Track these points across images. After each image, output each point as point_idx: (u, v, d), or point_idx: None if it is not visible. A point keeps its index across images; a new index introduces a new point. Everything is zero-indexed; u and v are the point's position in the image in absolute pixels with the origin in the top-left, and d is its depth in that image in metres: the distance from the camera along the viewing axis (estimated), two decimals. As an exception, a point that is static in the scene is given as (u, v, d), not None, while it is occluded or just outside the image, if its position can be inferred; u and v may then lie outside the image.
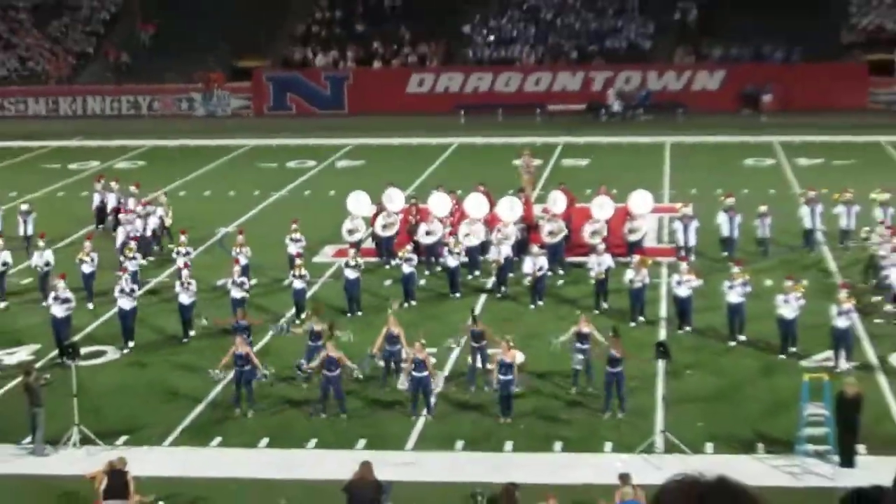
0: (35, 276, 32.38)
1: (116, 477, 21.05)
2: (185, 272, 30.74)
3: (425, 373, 24.94)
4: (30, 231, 37.16)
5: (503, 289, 32.67)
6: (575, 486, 21.25)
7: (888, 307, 28.80)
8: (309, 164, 51.65)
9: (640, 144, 54.41)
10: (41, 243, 32.09)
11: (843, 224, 35.95)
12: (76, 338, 27.73)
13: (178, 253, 32.62)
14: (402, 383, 25.88)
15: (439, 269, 33.57)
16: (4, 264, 31.51)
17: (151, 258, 34.61)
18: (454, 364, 27.33)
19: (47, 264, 30.93)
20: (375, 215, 35.70)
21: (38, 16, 78.42)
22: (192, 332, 29.62)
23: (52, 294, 28.64)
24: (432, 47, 71.80)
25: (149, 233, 35.17)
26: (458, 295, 32.33)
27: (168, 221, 36.36)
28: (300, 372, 25.97)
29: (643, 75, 68.04)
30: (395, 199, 36.52)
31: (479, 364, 26.35)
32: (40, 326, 29.56)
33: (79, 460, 22.67)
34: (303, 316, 30.05)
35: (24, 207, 38.45)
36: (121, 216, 36.00)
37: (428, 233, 34.20)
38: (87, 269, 29.30)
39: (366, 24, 74.38)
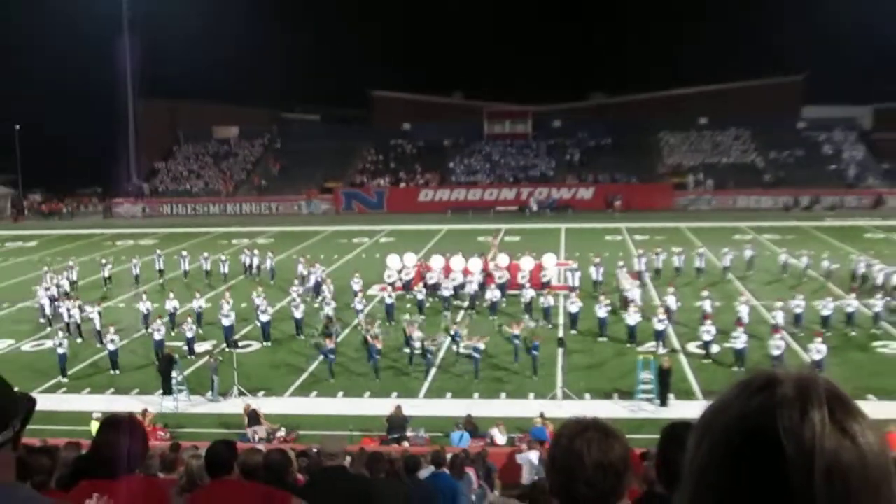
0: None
1: (253, 413, 21.09)
2: (298, 299, 30.73)
3: (431, 350, 25.21)
4: (226, 271, 39.68)
5: (473, 309, 32.57)
6: (512, 417, 21.18)
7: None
8: (364, 240, 51.55)
9: (548, 228, 54.39)
10: (198, 294, 31.42)
11: (656, 265, 36.42)
12: (236, 337, 27.60)
13: (296, 291, 32.40)
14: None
15: (437, 297, 33.31)
16: (174, 308, 30.40)
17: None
18: (444, 352, 27.19)
19: (200, 307, 30.27)
20: (402, 268, 35.66)
21: (216, 159, 78.77)
22: (302, 336, 29.47)
23: (221, 312, 28.58)
24: (432, 175, 71.95)
25: (320, 279, 34.98)
26: (447, 313, 32.15)
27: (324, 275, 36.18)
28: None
29: (549, 190, 68.26)
30: (412, 258, 36.46)
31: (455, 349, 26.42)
32: (210, 333, 29.53)
33: (237, 405, 22.56)
34: (360, 325, 30.00)
35: (223, 258, 40.04)
36: (311, 269, 36.45)
37: (430, 277, 34.11)
38: (225, 310, 28.55)
39: (396, 163, 74.74)
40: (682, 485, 1.16)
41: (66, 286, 35.45)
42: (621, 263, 36.86)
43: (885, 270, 33.59)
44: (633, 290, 31.24)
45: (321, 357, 25.84)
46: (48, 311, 32.08)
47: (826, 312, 27.86)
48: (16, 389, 2.67)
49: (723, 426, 1.13)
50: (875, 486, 1.08)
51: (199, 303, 30.61)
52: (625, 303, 30.39)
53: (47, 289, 33.18)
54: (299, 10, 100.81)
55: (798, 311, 27.94)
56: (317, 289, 34.60)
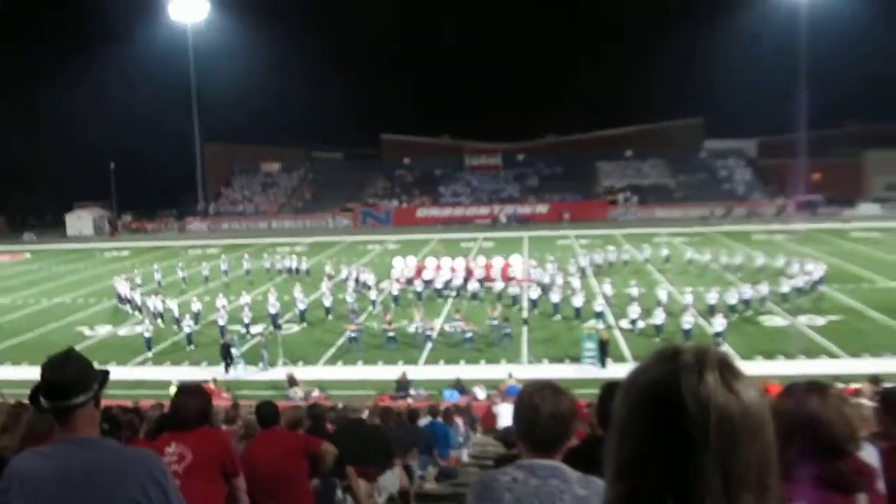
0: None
1: (292, 378, 21.04)
2: (327, 291, 30.63)
3: (431, 332, 25.01)
4: (280, 267, 40.12)
5: (458, 297, 32.34)
6: (490, 379, 21.11)
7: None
8: (376, 248, 51.35)
9: (513, 237, 54.16)
10: (244, 293, 30.76)
11: (597, 262, 36.13)
12: (281, 321, 27.53)
13: (326, 286, 32.30)
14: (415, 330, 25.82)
15: (431, 289, 33.13)
16: (224, 306, 28.25)
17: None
18: (439, 329, 27.11)
19: (246, 304, 28.82)
20: (404, 268, 35.49)
21: (263, 187, 78.42)
22: (330, 317, 29.35)
23: (268, 302, 28.40)
24: (427, 198, 71.90)
25: (364, 278, 34.00)
26: (440, 300, 32.12)
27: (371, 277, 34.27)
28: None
29: (515, 207, 68.16)
30: (412, 260, 36.39)
31: (450, 329, 26.23)
32: (261, 318, 29.26)
33: (282, 372, 22.45)
34: (375, 312, 29.85)
35: (278, 257, 39.55)
36: (356, 268, 35.60)
37: (426, 274, 33.92)
38: (272, 301, 28.18)
39: (399, 189, 74.63)
40: (610, 430, 1.16)
41: (129, 286, 34.04)
42: (572, 261, 37.09)
43: (800, 264, 33.00)
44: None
45: (346, 337, 25.62)
46: (137, 301, 31.96)
47: (732, 301, 27.45)
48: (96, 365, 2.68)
49: (640, 386, 1.14)
50: (755, 430, 1.10)
51: (247, 298, 30.24)
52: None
53: (133, 288, 33.20)
54: (326, 76, 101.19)
55: (712, 302, 26.89)
56: (355, 282, 33.85)
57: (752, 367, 19.87)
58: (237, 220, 72.56)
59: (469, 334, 24.87)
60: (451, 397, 19.08)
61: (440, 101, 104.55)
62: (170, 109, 77.13)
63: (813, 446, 2.04)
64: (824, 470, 2.04)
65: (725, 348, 21.19)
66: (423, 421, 11.85)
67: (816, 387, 2.25)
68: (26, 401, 2.87)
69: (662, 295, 28.13)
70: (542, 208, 67.90)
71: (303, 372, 22.39)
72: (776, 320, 26.85)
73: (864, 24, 67.76)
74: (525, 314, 28.45)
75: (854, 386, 15.29)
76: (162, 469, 2.51)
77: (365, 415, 9.53)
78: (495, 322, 25.55)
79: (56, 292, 38.03)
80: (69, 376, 2.44)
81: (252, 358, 24.38)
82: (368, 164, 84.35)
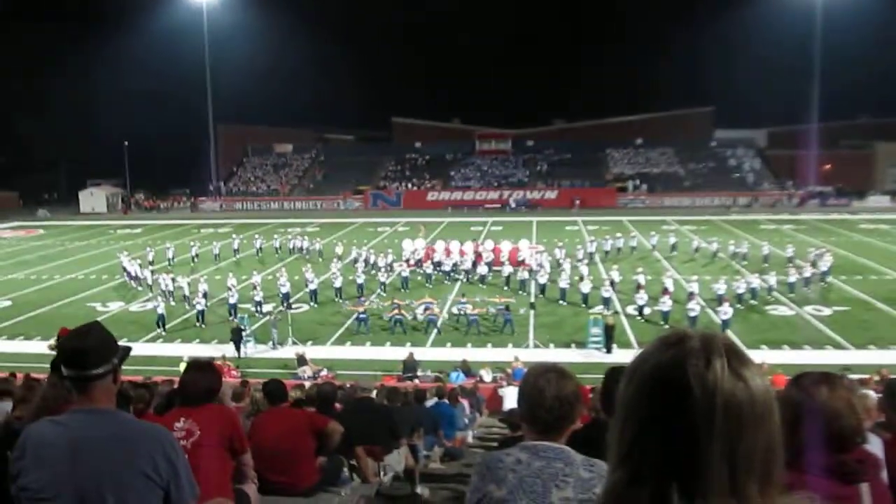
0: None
1: (302, 357, 21.10)
2: (337, 272, 30.66)
3: (435, 317, 25.03)
4: (291, 246, 40.32)
5: (468, 280, 32.36)
6: (496, 361, 21.17)
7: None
8: (386, 229, 51.35)
9: (522, 221, 54.00)
10: (255, 272, 30.98)
11: (605, 248, 36.07)
12: (291, 300, 27.56)
13: (336, 266, 32.37)
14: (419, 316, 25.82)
15: (440, 272, 33.18)
16: (233, 285, 29.09)
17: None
18: (447, 311, 27.12)
19: (256, 283, 28.96)
20: (414, 250, 35.47)
21: (275, 168, 78.16)
22: (340, 299, 29.33)
23: (279, 282, 28.45)
24: (437, 181, 71.65)
25: (375, 259, 34.08)
26: (448, 282, 32.10)
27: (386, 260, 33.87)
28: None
29: (524, 192, 67.84)
30: (422, 243, 36.26)
31: (457, 311, 26.22)
32: (272, 299, 29.34)
33: (291, 350, 22.54)
34: (381, 295, 29.86)
35: (290, 237, 38.84)
36: (365, 250, 35.78)
37: (435, 257, 33.92)
38: (282, 280, 28.29)
39: (410, 172, 74.33)
40: (615, 414, 1.15)
41: (140, 263, 34.17)
42: (579, 247, 36.97)
43: (815, 253, 32.59)
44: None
45: (355, 318, 25.64)
46: (141, 276, 32.52)
47: (739, 290, 27.26)
48: (121, 341, 2.69)
49: (644, 371, 1.12)
50: (760, 417, 1.08)
51: (258, 278, 30.23)
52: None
53: (144, 266, 33.33)
54: (339, 58, 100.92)
55: (720, 292, 26.48)
56: (365, 263, 33.77)
57: (756, 356, 19.79)
58: (249, 199, 72.62)
59: (475, 317, 24.90)
60: (458, 379, 19.15)
61: (451, 86, 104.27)
62: (184, 89, 77.16)
63: (819, 437, 2.02)
64: (829, 460, 2.03)
65: (730, 336, 21.13)
66: (430, 402, 11.89)
67: (826, 377, 2.22)
68: (36, 374, 2.89)
69: (669, 283, 28.02)
70: (551, 194, 67.47)
71: (312, 351, 22.46)
72: (782, 310, 26.76)
73: (879, 15, 66.87)
74: (532, 298, 28.42)
75: (862, 376, 15.23)
76: (174, 445, 2.53)
77: (373, 394, 9.57)
78: (500, 308, 25.57)
79: (69, 268, 38.26)
80: (90, 347, 2.48)
81: (262, 336, 24.48)
82: (380, 147, 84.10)
